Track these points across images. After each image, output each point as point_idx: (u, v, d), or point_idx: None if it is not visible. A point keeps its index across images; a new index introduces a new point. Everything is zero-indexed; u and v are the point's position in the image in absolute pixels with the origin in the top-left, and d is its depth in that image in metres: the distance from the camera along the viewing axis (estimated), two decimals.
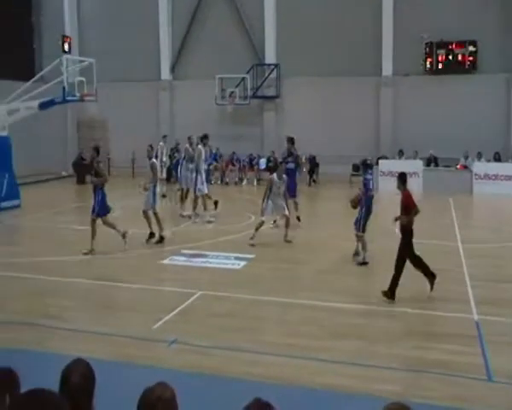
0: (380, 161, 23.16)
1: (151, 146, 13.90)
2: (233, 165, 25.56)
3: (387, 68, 24.47)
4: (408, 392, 5.97)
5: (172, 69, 27.79)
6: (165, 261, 11.48)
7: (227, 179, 25.23)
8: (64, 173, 27.49)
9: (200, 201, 15.72)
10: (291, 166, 15.05)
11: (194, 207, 15.73)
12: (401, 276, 8.90)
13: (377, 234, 14.07)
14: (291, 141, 15.42)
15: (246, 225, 15.03)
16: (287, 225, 13.06)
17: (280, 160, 16.05)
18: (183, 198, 16.81)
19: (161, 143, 16.92)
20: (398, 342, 7.39)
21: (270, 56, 25.99)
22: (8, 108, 18.50)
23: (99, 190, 12.27)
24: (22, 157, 20.31)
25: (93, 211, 12.24)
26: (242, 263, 11.29)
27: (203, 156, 15.87)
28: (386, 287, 8.94)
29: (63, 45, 20.11)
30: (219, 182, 25.02)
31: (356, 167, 24.23)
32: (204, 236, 13.99)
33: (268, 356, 6.91)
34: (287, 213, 13.11)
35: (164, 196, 20.35)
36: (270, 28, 25.77)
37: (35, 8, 28.83)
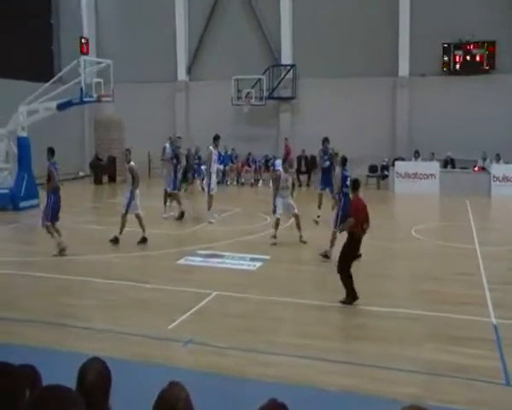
0: (396, 163, 23.03)
1: (128, 150, 13.66)
2: (249, 166, 25.57)
3: (404, 69, 24.30)
4: (425, 395, 5.92)
5: (189, 70, 27.89)
6: (181, 261, 11.51)
7: (243, 180, 25.26)
8: (81, 173, 27.74)
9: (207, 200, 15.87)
10: (326, 164, 15.37)
11: (209, 207, 15.79)
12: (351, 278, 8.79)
13: (395, 236, 14.05)
14: (327, 140, 15.85)
15: (261, 226, 15.04)
16: (298, 225, 12.96)
17: (318, 159, 16.52)
18: (165, 200, 16.55)
19: (167, 145, 16.72)
20: (417, 344, 7.33)
21: (286, 57, 25.96)
22: (28, 108, 18.73)
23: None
24: (40, 157, 20.46)
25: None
26: (258, 264, 11.29)
27: (214, 157, 15.96)
28: (406, 289, 8.88)
29: (81, 47, 20.24)
30: (235, 183, 25.06)
31: (372, 169, 24.18)
32: (219, 236, 14.00)
33: (283, 357, 6.90)
34: (296, 211, 13.05)
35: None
36: (287, 29, 25.75)
37: (54, 9, 29.14)
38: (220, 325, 8.06)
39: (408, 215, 18.15)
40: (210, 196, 15.70)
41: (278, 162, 25.06)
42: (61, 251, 12.06)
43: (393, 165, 23.11)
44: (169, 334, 7.60)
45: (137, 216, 13.08)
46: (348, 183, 11.05)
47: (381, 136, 24.34)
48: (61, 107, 18.83)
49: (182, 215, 15.86)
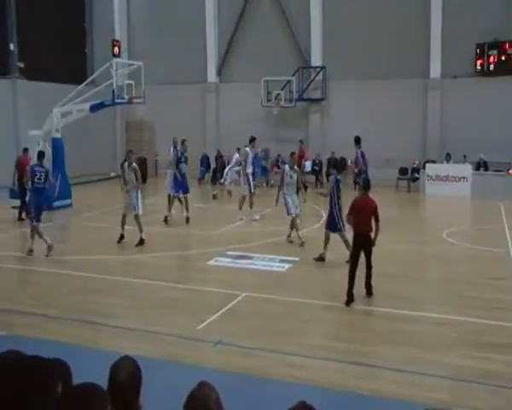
0: (427, 165, 22.77)
1: (131, 151, 13.98)
2: (278, 167, 25.55)
3: (435, 70, 23.99)
4: (453, 401, 5.86)
5: (219, 72, 28.07)
6: (211, 262, 11.60)
7: (272, 182, 25.27)
8: (113, 174, 28.12)
9: (241, 199, 16.20)
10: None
11: (250, 205, 16.20)
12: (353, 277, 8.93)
13: (426, 239, 13.88)
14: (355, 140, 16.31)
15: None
16: (294, 226, 13.19)
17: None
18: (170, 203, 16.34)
19: (178, 148, 16.45)
20: (448, 349, 7.24)
21: (316, 59, 25.91)
22: (62, 110, 19.11)
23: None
24: (73, 158, 20.90)
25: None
26: (287, 266, 11.30)
27: (250, 158, 16.20)
28: (436, 293, 8.78)
29: (113, 49, 20.60)
30: (265, 184, 25.09)
31: (402, 171, 23.92)
32: (249, 237, 14.05)
33: (311, 359, 6.90)
34: (298, 212, 13.25)
35: (215, 196, 20.76)
36: (316, 30, 25.69)
37: (87, 13, 29.67)
38: (249, 326, 8.10)
39: (439, 218, 17.91)
40: (251, 196, 16.17)
41: (308, 164, 25.11)
42: (30, 251, 12.17)
43: (424, 167, 22.84)
44: (199, 334, 7.67)
45: (136, 217, 13.17)
46: (341, 185, 11.45)
47: (412, 138, 24.09)
48: (93, 108, 19.17)
49: (165, 219, 15.66)
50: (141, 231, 13.04)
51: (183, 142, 15.96)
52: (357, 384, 6.22)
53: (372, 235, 9.04)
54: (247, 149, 16.42)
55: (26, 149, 17.45)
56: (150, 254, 12.43)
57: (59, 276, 10.77)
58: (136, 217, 13.14)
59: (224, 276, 10.84)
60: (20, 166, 16.81)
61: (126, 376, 2.80)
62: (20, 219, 16.36)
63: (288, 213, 13.13)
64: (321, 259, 11.47)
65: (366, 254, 9.07)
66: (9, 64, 24.66)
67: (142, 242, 13.01)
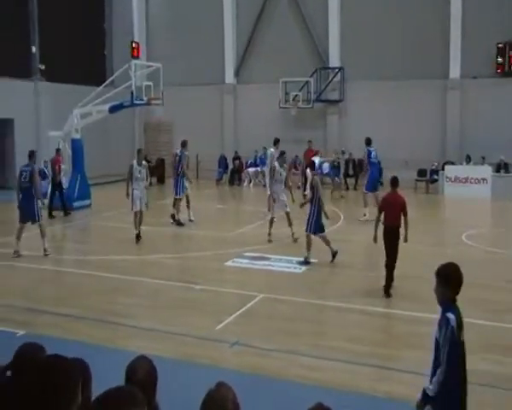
0: (446, 167, 22.58)
1: (140, 150, 14.82)
2: (296, 168, 25.53)
3: (455, 71, 23.77)
4: (475, 407, 5.79)
5: (236, 73, 28.13)
6: (228, 263, 11.64)
7: (290, 183, 25.20)
8: None
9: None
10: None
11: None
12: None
13: (444, 241, 13.77)
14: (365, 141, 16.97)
15: None
16: (289, 223, 13.43)
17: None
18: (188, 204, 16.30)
19: (186, 151, 16.37)
20: (470, 354, 7.13)
21: (333, 60, 25.84)
22: (82, 111, 19.32)
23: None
24: (92, 159, 21.11)
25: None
26: (304, 267, 11.29)
27: (275, 160, 16.37)
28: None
29: (132, 51, 20.74)
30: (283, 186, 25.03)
31: (421, 173, 23.74)
32: (267, 239, 14.04)
33: (327, 361, 6.89)
34: (288, 210, 13.52)
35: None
36: (335, 31, 25.62)
37: (107, 15, 29.95)
38: (266, 327, 8.12)
39: (458, 220, 17.73)
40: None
41: (326, 165, 25.02)
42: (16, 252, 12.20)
43: (443, 169, 22.64)
44: (216, 335, 7.70)
45: (141, 213, 13.71)
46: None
47: (431, 139, 23.89)
48: (112, 109, 19.34)
49: (177, 221, 15.71)
50: (140, 225, 13.64)
51: (185, 144, 16.20)
52: (373, 387, 6.20)
53: (402, 230, 9.41)
54: (272, 150, 16.98)
55: (58, 150, 18.34)
56: (168, 255, 12.52)
57: (79, 276, 10.89)
58: (141, 213, 13.71)
59: (242, 277, 10.87)
60: (52, 165, 17.89)
61: (143, 375, 2.84)
62: (50, 216, 16.89)
63: (271, 213, 13.60)
64: (306, 262, 11.43)
65: (392, 249, 9.35)
66: (31, 66, 25.02)
67: (138, 237, 13.52)
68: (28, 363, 2.81)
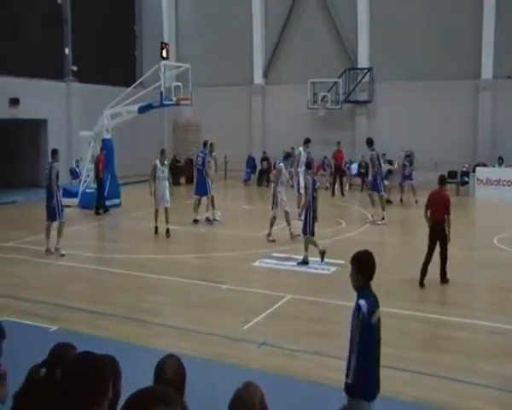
0: (477, 169, 22.19)
1: (163, 150, 15.40)
2: (324, 170, 25.44)
3: (487, 71, 23.33)
4: None
5: (265, 73, 28.15)
6: (256, 264, 11.66)
7: (318, 184, 25.11)
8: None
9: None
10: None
11: (298, 205, 16.20)
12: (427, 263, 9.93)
13: (476, 245, 13.53)
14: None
15: (336, 230, 14.96)
16: (288, 221, 13.66)
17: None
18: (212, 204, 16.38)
19: (207, 151, 16.41)
20: (499, 359, 7.04)
21: (362, 60, 25.65)
22: (112, 112, 19.59)
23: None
24: (122, 159, 21.38)
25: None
26: (332, 268, 11.24)
27: (303, 159, 16.87)
28: (487, 300, 8.57)
29: (161, 52, 20.92)
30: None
31: (451, 174, 23.38)
32: (294, 239, 14.01)
33: None
34: (287, 209, 13.77)
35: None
36: (363, 32, 25.44)
37: (137, 17, 30.31)
38: (293, 328, 8.11)
39: (490, 223, 17.43)
40: (300, 195, 16.32)
41: (354, 166, 24.87)
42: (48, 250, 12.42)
43: (474, 171, 22.27)
44: (243, 335, 7.72)
45: (166, 209, 14.35)
46: (316, 187, 11.99)
47: (461, 141, 23.51)
48: (142, 110, 19.57)
49: (196, 221, 16.00)
50: (167, 222, 14.17)
51: (205, 144, 16.59)
52: (404, 391, 6.12)
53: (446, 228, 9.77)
54: (301, 149, 17.13)
55: (102, 149, 19.15)
56: (196, 255, 12.61)
57: (109, 274, 11.06)
58: (166, 209, 14.33)
59: (269, 277, 10.87)
60: (96, 164, 18.65)
61: (172, 373, 2.87)
62: (97, 213, 17.79)
63: (283, 209, 13.68)
64: (304, 263, 11.41)
65: (441, 244, 9.79)
66: (64, 67, 25.48)
67: (168, 232, 14.04)
68: (61, 361, 2.87)
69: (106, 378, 2.39)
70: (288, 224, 13.70)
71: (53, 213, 12.32)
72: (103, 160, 18.51)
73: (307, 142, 17.29)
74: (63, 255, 12.15)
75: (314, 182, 11.94)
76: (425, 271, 9.83)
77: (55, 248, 12.33)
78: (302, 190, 16.02)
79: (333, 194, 22.51)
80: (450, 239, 9.81)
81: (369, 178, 17.10)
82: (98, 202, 18.04)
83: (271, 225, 13.53)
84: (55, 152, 12.66)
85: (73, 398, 2.28)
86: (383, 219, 15.86)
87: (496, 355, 7.18)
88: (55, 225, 12.47)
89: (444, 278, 9.98)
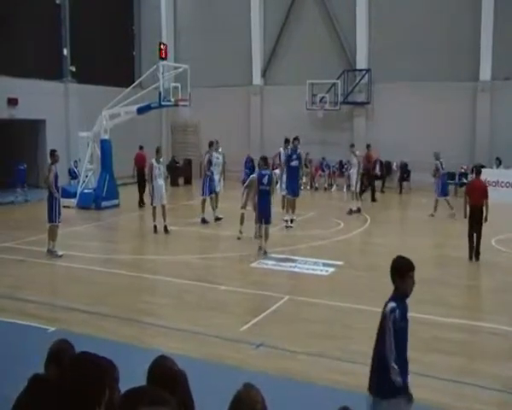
0: (475, 170, 22.16)
1: (159, 148, 15.83)
2: (322, 170, 25.47)
3: (485, 73, 23.36)
4: None
5: (263, 74, 28.16)
6: (254, 265, 11.66)
7: (316, 185, 25.18)
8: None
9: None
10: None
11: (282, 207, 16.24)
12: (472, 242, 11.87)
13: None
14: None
15: (335, 231, 14.96)
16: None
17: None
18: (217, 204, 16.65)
19: (213, 151, 16.49)
20: (501, 361, 7.03)
21: (361, 62, 25.67)
22: (110, 112, 19.57)
23: None
24: (120, 159, 21.35)
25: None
26: (331, 269, 11.25)
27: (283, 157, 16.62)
28: (487, 301, 8.58)
29: (160, 52, 20.91)
30: (308, 187, 25.01)
31: (450, 176, 23.38)
32: (293, 240, 14.04)
33: (354, 365, 6.82)
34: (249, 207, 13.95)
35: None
36: (362, 33, 25.45)
37: (135, 17, 30.30)
38: (291, 329, 8.11)
39: (488, 225, 17.36)
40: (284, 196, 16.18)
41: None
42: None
43: (472, 172, 22.26)
44: (241, 336, 7.72)
45: (163, 207, 14.72)
46: (264, 181, 12.37)
47: (460, 142, 23.53)
48: (140, 110, 19.56)
49: (204, 221, 16.00)
50: (165, 219, 14.54)
51: (212, 144, 16.64)
52: None
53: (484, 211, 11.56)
54: (281, 149, 16.95)
55: (141, 147, 20.60)
56: (195, 256, 12.60)
57: (108, 275, 11.04)
58: (164, 207, 14.66)
59: (268, 278, 10.87)
60: (138, 161, 19.92)
61: (162, 374, 2.86)
62: (140, 206, 19.06)
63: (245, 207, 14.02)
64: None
65: (478, 225, 11.53)
66: (62, 68, 25.46)
67: (166, 229, 14.41)
68: (59, 360, 2.87)
69: (103, 377, 2.39)
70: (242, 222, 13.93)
71: (50, 216, 12.33)
72: (145, 158, 19.52)
73: (286, 142, 16.67)
74: (61, 256, 12.13)
75: (262, 176, 12.39)
76: (472, 246, 11.72)
77: (48, 250, 12.32)
78: (284, 192, 16.14)
79: (373, 199, 21.62)
80: (487, 219, 11.59)
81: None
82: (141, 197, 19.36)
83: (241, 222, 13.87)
84: (53, 153, 12.60)
85: (70, 397, 2.28)
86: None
87: (496, 357, 7.18)
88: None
89: (477, 257, 11.65)
